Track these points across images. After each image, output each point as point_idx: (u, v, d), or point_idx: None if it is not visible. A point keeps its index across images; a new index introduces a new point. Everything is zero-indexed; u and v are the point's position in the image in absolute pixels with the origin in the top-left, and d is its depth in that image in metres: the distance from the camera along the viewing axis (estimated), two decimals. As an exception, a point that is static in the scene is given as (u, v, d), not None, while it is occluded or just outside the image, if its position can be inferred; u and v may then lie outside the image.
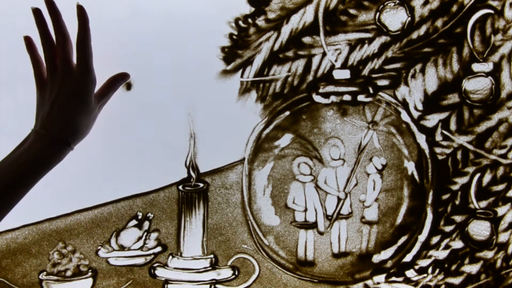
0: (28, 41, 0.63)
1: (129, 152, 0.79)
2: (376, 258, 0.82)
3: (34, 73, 0.62)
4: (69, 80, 0.59)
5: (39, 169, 0.57)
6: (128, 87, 0.73)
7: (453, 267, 0.81)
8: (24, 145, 0.57)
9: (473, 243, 0.80)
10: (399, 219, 0.81)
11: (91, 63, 0.61)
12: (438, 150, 0.79)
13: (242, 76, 0.78)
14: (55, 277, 0.81)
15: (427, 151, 0.79)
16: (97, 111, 0.64)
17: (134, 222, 0.81)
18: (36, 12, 0.60)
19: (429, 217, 0.80)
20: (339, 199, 0.80)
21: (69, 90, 0.59)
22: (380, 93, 0.78)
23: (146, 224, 0.81)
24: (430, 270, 0.81)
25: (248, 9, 0.76)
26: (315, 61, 0.77)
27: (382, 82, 0.78)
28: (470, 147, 0.79)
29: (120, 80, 0.68)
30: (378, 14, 0.76)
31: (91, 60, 0.61)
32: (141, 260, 0.81)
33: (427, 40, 0.77)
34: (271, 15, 0.76)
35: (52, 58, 0.60)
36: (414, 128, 0.79)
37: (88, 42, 0.61)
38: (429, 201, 0.80)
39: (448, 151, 0.79)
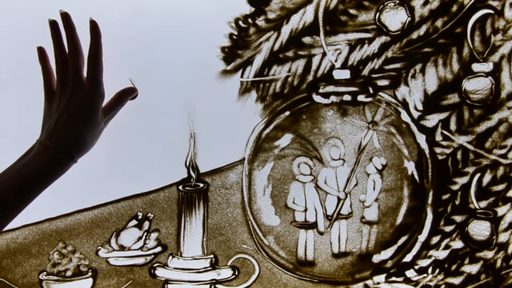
0: (41, 51, 0.63)
1: (129, 152, 0.79)
2: (376, 258, 0.82)
3: (43, 84, 0.62)
4: (78, 93, 0.60)
5: (42, 180, 0.57)
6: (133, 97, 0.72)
7: (453, 267, 0.81)
8: (29, 155, 0.57)
9: (473, 243, 0.80)
10: (399, 219, 0.81)
11: (101, 77, 0.61)
12: (438, 150, 0.79)
13: (242, 76, 0.78)
14: (55, 277, 0.81)
15: (427, 151, 0.79)
16: (103, 125, 0.64)
17: (134, 222, 0.81)
18: (53, 24, 0.60)
19: (429, 217, 0.80)
20: (339, 199, 0.80)
21: (77, 103, 0.59)
22: (380, 93, 0.78)
23: (146, 224, 0.81)
24: (430, 270, 0.81)
25: (248, 9, 0.76)
26: (315, 61, 0.77)
27: (382, 82, 0.78)
28: (470, 147, 0.79)
29: (127, 94, 0.68)
30: (378, 14, 0.76)
31: (101, 74, 0.61)
32: (141, 260, 0.81)
33: (427, 40, 0.77)
34: (271, 15, 0.76)
35: (64, 71, 0.60)
36: (414, 128, 0.79)
37: (99, 57, 0.61)
38: (429, 201, 0.80)
39: (448, 151, 0.79)
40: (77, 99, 0.60)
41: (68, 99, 0.60)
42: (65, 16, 0.60)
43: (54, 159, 0.57)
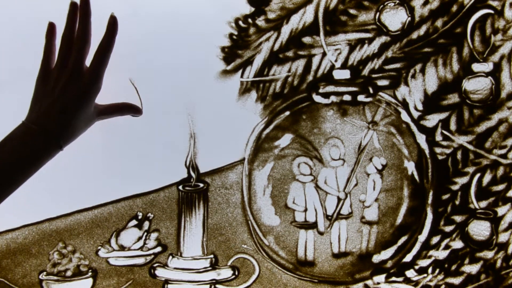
0: (51, 27, 0.62)
1: (129, 152, 0.79)
2: (376, 258, 0.82)
3: (42, 60, 0.61)
4: (76, 82, 0.59)
5: (28, 164, 0.56)
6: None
7: (453, 267, 0.81)
8: (15, 137, 0.57)
9: (473, 243, 0.80)
10: (399, 219, 0.81)
11: (103, 72, 0.61)
12: (438, 150, 0.79)
13: (242, 76, 0.78)
14: (55, 277, 0.81)
15: (427, 151, 0.79)
16: (94, 119, 0.64)
17: (134, 222, 0.81)
18: (73, 6, 0.60)
19: (429, 217, 0.80)
20: (339, 199, 0.80)
21: (74, 92, 0.59)
22: (380, 93, 0.78)
23: (146, 224, 0.81)
24: (430, 270, 0.81)
25: (248, 9, 0.76)
26: (315, 61, 0.77)
27: (382, 82, 0.78)
28: (470, 147, 0.79)
29: (130, 111, 0.68)
30: (378, 14, 0.76)
31: (104, 69, 0.61)
32: (141, 260, 0.81)
33: (427, 40, 0.77)
34: (271, 15, 0.76)
35: (66, 54, 0.60)
36: (414, 128, 0.79)
37: (109, 52, 0.61)
38: (429, 201, 0.80)
39: (448, 151, 0.79)
40: (73, 88, 0.59)
41: (64, 86, 0.58)
42: (85, 2, 0.60)
43: (41, 144, 0.57)
